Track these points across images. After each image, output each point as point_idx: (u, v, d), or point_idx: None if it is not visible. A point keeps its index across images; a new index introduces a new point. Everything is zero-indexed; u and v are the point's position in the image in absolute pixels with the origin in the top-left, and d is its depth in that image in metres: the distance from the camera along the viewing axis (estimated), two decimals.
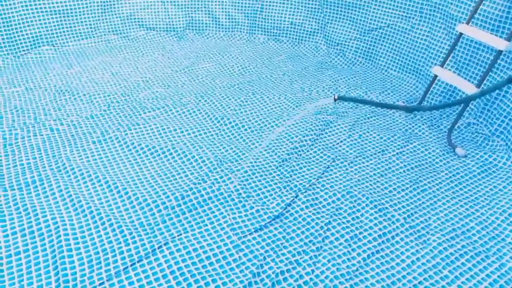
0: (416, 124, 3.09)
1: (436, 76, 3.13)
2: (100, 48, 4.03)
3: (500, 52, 2.67)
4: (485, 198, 2.36)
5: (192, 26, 4.51)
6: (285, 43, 4.43)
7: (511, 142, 2.76)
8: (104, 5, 4.12)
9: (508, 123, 2.83)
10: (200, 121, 2.92)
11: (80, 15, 4.01)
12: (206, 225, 2.03)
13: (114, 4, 4.17)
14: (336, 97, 2.35)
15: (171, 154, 2.53)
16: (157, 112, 2.98)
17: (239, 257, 1.87)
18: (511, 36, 2.61)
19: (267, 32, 4.50)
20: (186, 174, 2.37)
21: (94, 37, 4.12)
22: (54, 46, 3.88)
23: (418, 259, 1.93)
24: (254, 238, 1.98)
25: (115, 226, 1.96)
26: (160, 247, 1.88)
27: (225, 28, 4.55)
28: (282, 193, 2.28)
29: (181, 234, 1.96)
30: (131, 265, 1.78)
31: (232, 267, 1.82)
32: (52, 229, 1.92)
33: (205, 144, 2.65)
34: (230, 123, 2.90)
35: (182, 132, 2.77)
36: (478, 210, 2.26)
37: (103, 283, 1.69)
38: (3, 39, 3.62)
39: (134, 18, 4.29)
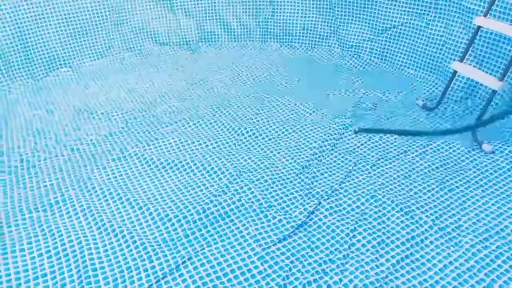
0: (438, 122, 3.00)
1: (455, 71, 3.04)
2: (115, 66, 4.09)
3: None
4: None
5: (204, 38, 4.53)
6: (298, 48, 4.40)
7: None
8: (117, 24, 4.19)
9: None
10: (218, 132, 2.91)
11: (94, 35, 4.09)
12: (229, 237, 2.01)
13: (126, 23, 4.23)
14: (356, 131, 2.30)
15: (190, 167, 2.53)
16: (174, 126, 2.99)
17: (264, 269, 1.83)
18: None
19: (280, 39, 4.49)
20: (206, 187, 2.35)
21: (108, 55, 4.19)
22: (71, 68, 3.96)
23: (450, 262, 1.86)
24: (278, 249, 1.94)
25: (138, 243, 1.96)
26: (184, 262, 1.86)
27: (238, 38, 4.56)
28: (304, 201, 2.24)
29: (204, 248, 1.94)
30: (155, 282, 1.77)
31: (257, 280, 1.78)
32: (76, 249, 1.93)
33: (223, 155, 2.64)
34: (247, 132, 2.88)
35: (200, 144, 2.76)
36: (511, 208, 2.17)
37: None
38: (22, 64, 3.71)
39: (147, 34, 4.35)
